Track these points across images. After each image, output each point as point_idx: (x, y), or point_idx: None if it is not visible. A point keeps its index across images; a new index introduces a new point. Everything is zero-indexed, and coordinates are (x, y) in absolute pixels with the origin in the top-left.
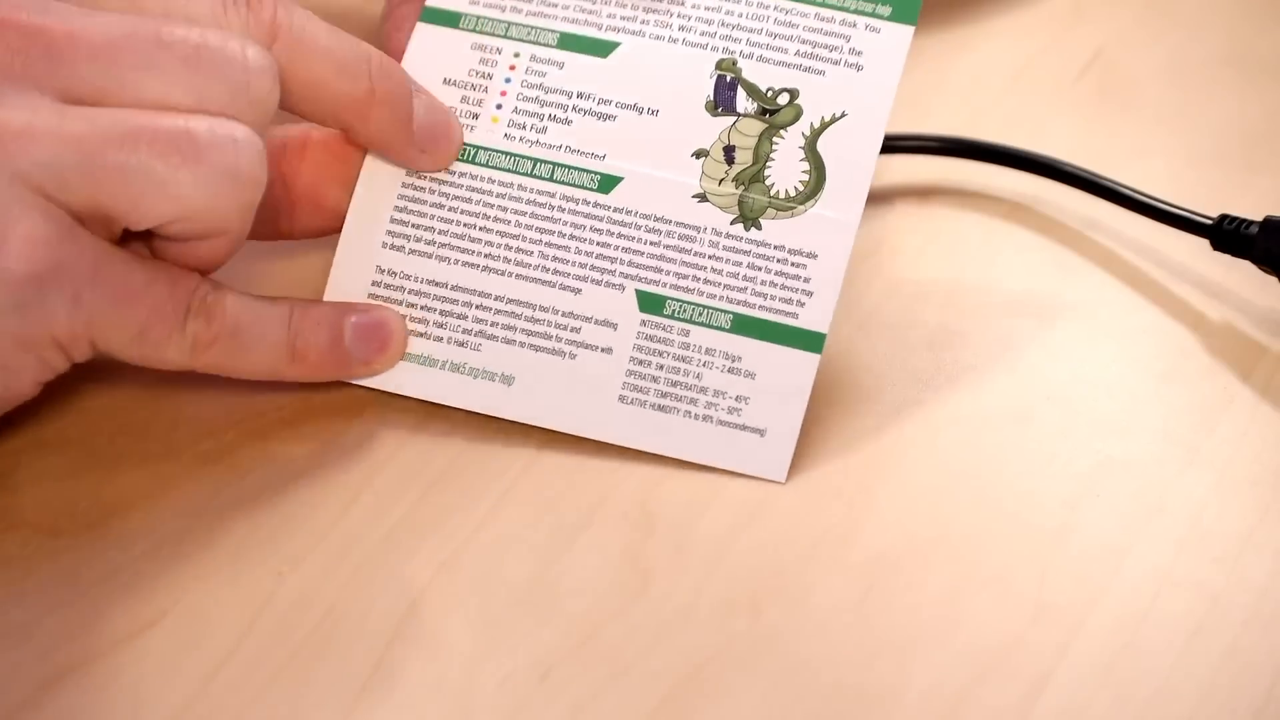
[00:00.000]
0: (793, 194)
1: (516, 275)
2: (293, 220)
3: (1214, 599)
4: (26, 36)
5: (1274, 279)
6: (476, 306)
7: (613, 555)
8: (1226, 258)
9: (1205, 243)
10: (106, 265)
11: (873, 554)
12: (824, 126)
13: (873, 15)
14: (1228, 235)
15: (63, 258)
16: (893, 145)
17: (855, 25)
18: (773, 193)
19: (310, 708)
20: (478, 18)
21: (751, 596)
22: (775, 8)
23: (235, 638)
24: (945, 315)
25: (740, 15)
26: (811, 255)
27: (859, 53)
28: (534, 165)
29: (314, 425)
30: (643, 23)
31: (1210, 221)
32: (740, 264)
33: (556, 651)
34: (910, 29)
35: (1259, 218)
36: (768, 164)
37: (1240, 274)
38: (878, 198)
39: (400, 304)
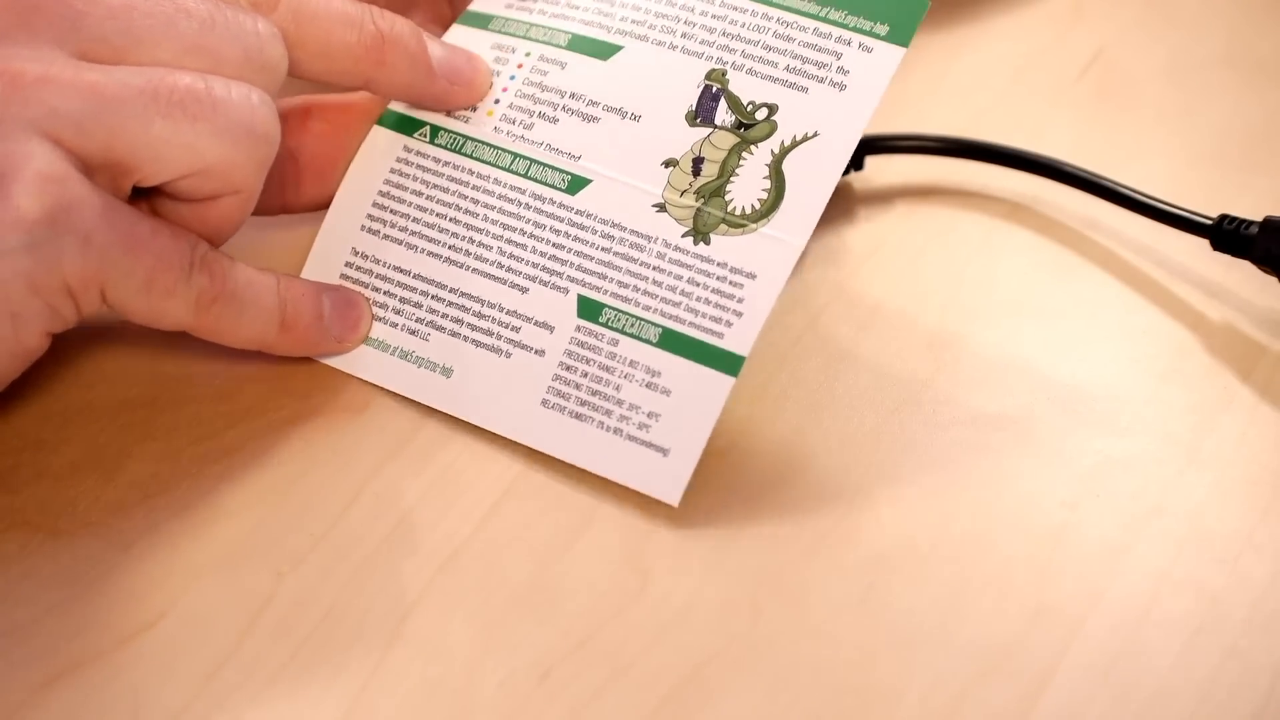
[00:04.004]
0: (748, 211)
1: (473, 269)
2: (299, 191)
3: (1214, 599)
4: None
5: (1274, 279)
6: (432, 297)
7: (613, 555)
8: (1226, 258)
9: (1205, 243)
10: (114, 211)
11: (873, 554)
12: (793, 145)
13: (869, 34)
14: (1228, 235)
15: (74, 198)
16: (893, 145)
17: (849, 43)
18: (730, 209)
19: (310, 708)
20: (505, 19)
21: (751, 596)
22: (778, 20)
23: (235, 638)
24: (945, 315)
25: (743, 25)
26: (750, 275)
27: (846, 72)
28: (513, 160)
29: (314, 425)
30: (650, 27)
31: (1210, 221)
32: (680, 278)
33: (556, 651)
34: (902, 51)
35: (1259, 218)
36: (731, 179)
37: (1240, 274)
38: (878, 198)
39: (367, 287)
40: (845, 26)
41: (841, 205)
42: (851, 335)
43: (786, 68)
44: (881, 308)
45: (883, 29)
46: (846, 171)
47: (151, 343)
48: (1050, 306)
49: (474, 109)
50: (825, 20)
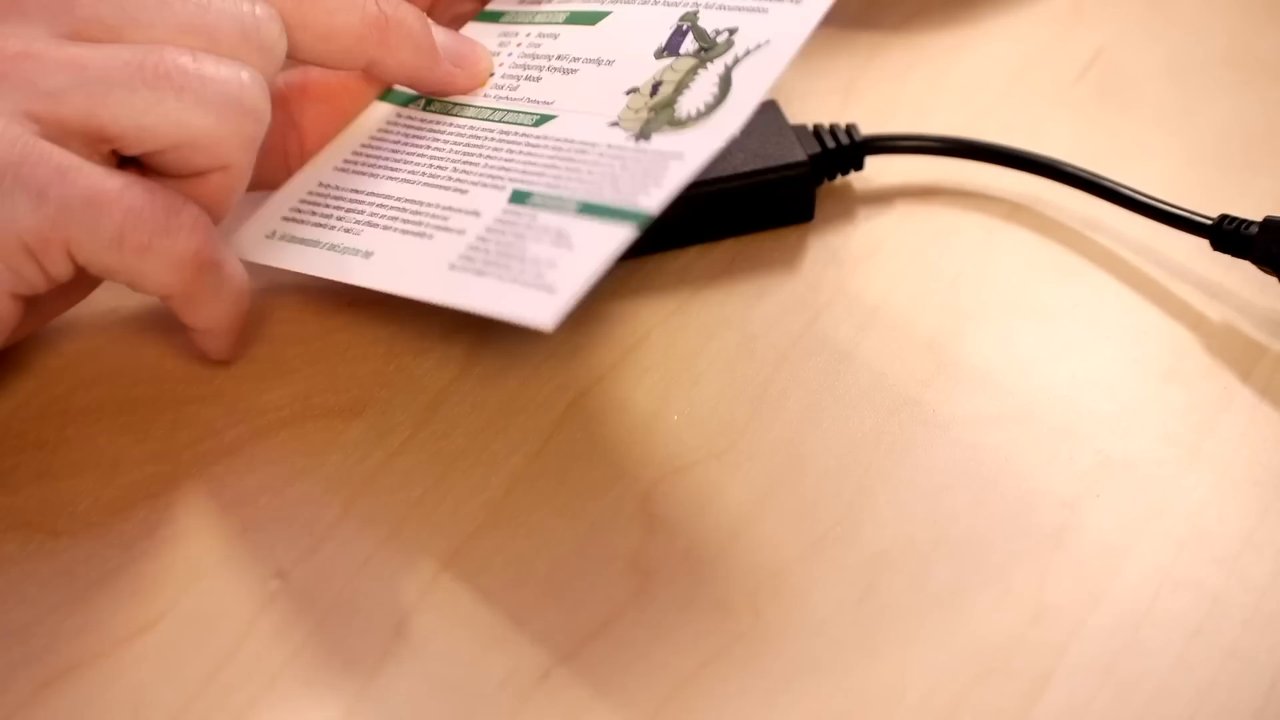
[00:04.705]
0: (693, 114)
1: (424, 184)
2: (302, 163)
3: (1214, 599)
4: None
5: (1274, 279)
6: (376, 205)
7: (613, 555)
8: (1226, 258)
9: (1205, 243)
10: (77, 170)
11: (873, 554)
12: (746, 55)
13: None
14: (1228, 235)
15: (23, 154)
16: (893, 145)
17: None
18: (677, 115)
19: (310, 708)
20: (516, 12)
21: (751, 596)
22: None
23: (235, 638)
24: (945, 315)
25: None
26: (678, 156)
27: None
28: (491, 112)
29: (314, 425)
30: None
31: (1210, 221)
32: (614, 165)
33: (556, 651)
34: None
35: (1259, 218)
36: (683, 91)
37: (1240, 274)
38: (878, 198)
39: (319, 208)
40: None
41: (841, 205)
42: (851, 335)
43: None
44: (881, 308)
45: None
46: (846, 171)
47: (152, 342)
48: (1050, 306)
49: None
50: None
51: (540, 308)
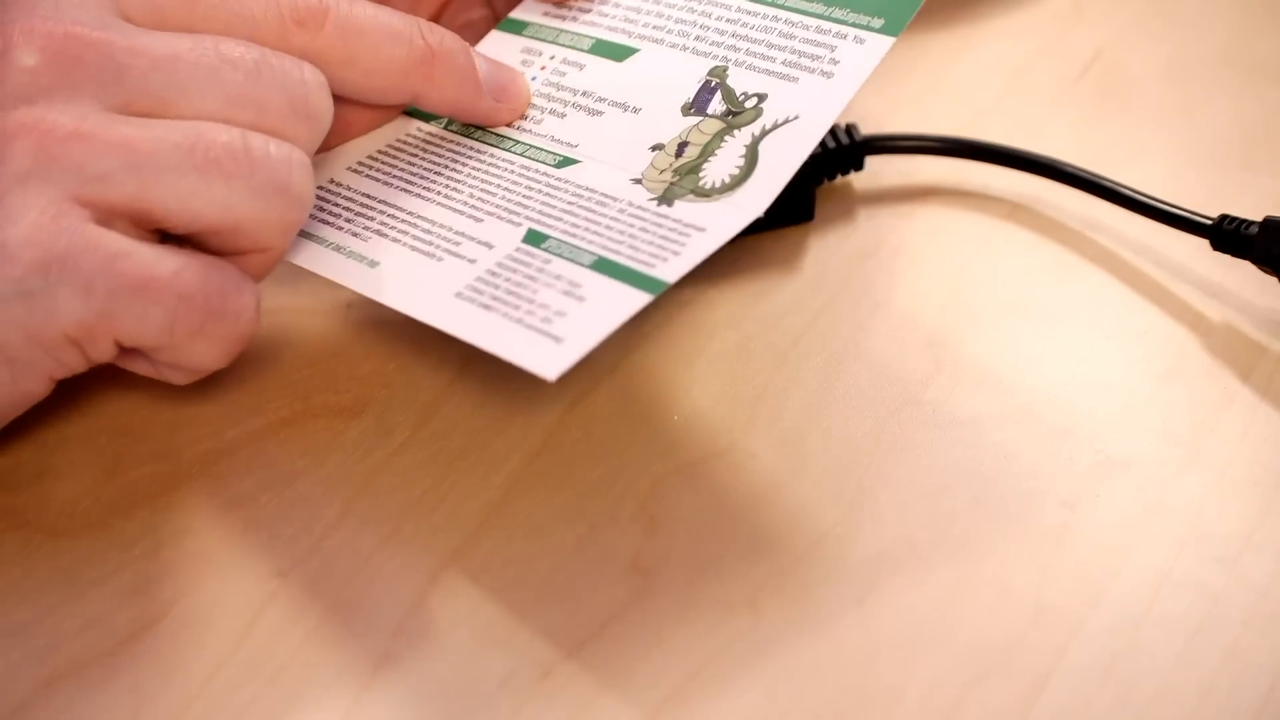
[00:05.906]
0: (718, 185)
1: (438, 204)
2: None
3: (1214, 599)
4: (89, 47)
5: (1274, 279)
6: (388, 215)
7: (613, 555)
8: (1226, 258)
9: (1205, 243)
10: (126, 257)
11: (873, 554)
12: (774, 127)
13: (866, 28)
14: (1228, 235)
15: (72, 246)
16: (893, 145)
17: (846, 37)
18: (701, 183)
19: (310, 708)
20: (539, 26)
21: (751, 596)
22: (785, 20)
23: (235, 638)
24: (945, 315)
25: (752, 27)
26: (700, 229)
27: (836, 62)
28: (513, 144)
29: (314, 425)
30: (667, 32)
31: (1210, 222)
32: (633, 225)
33: (556, 651)
34: (891, 40)
35: (1259, 218)
36: (709, 158)
37: (1240, 274)
38: (878, 198)
39: (328, 205)
40: (845, 23)
41: (841, 205)
42: (851, 335)
43: (783, 62)
44: (881, 308)
45: (878, 22)
46: (846, 171)
47: None
48: (1050, 307)
49: None
50: (828, 19)
51: (544, 356)
